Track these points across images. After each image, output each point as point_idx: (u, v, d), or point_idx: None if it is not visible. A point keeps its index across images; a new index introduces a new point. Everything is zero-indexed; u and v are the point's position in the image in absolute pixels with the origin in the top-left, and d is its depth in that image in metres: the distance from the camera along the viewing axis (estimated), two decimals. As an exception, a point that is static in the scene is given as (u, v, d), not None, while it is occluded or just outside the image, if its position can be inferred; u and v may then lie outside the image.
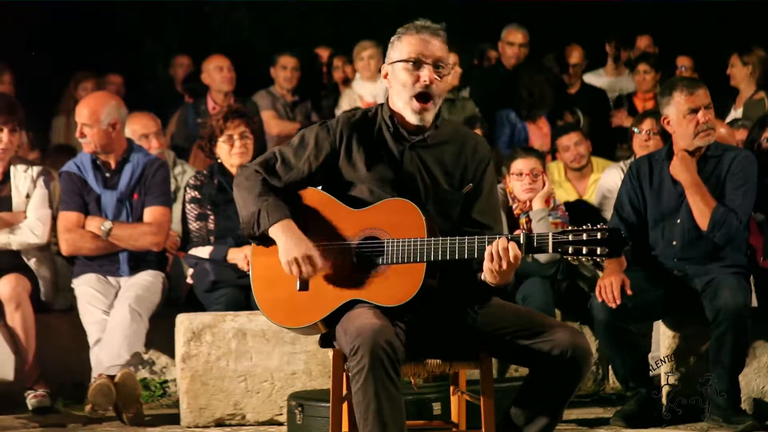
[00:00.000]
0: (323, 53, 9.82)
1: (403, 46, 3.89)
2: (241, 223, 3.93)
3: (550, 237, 3.69)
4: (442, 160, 3.94)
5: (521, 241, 3.69)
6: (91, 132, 5.91)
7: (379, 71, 8.93)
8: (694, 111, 5.34)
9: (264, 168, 3.95)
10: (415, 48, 3.87)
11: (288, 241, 3.81)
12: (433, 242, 3.75)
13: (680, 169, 5.37)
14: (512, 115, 8.24)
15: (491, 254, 3.70)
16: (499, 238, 3.71)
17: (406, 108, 3.89)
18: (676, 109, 5.38)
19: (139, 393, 5.57)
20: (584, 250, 3.65)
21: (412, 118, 3.89)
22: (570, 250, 3.67)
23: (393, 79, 3.91)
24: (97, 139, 5.91)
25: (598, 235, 3.65)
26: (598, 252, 3.65)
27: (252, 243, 3.98)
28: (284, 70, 8.84)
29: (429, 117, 3.90)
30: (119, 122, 5.98)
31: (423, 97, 3.86)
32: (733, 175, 5.36)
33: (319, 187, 3.98)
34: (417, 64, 3.86)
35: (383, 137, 3.94)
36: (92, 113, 5.90)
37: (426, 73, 3.85)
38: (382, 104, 3.99)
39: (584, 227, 3.68)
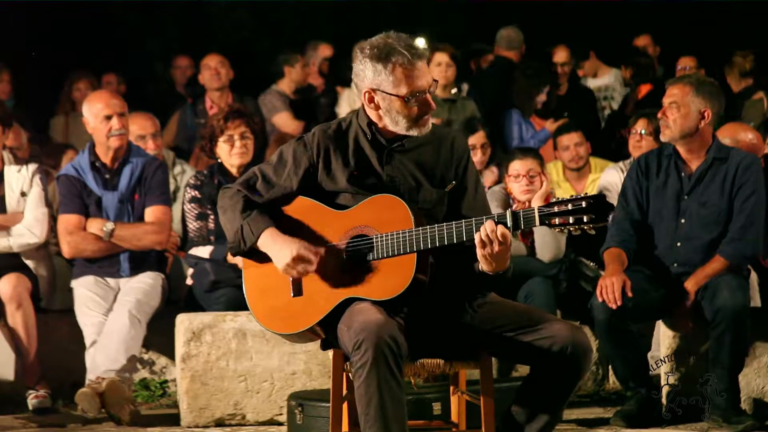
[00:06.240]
0: (323, 53, 9.80)
1: (395, 78, 3.82)
2: (228, 242, 3.95)
3: (536, 211, 3.69)
4: (422, 161, 3.93)
5: (508, 221, 3.70)
6: (124, 121, 5.90)
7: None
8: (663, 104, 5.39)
9: (245, 187, 3.97)
10: (412, 82, 3.82)
11: (275, 248, 3.82)
12: (420, 231, 3.75)
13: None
14: (515, 113, 8.22)
15: (481, 240, 3.70)
16: (486, 221, 3.71)
17: (406, 131, 3.87)
18: None
19: (128, 394, 5.51)
20: (571, 220, 3.66)
21: (413, 133, 3.88)
22: (557, 221, 3.67)
23: (385, 106, 3.85)
24: (128, 127, 5.93)
25: (583, 204, 3.66)
26: (585, 220, 3.65)
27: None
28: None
29: (430, 124, 3.90)
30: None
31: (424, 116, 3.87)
32: (742, 184, 5.33)
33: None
34: (417, 98, 3.84)
35: (360, 145, 3.94)
36: (122, 103, 5.93)
37: (425, 102, 3.84)
38: (356, 111, 3.99)
39: (569, 197, 3.69)
